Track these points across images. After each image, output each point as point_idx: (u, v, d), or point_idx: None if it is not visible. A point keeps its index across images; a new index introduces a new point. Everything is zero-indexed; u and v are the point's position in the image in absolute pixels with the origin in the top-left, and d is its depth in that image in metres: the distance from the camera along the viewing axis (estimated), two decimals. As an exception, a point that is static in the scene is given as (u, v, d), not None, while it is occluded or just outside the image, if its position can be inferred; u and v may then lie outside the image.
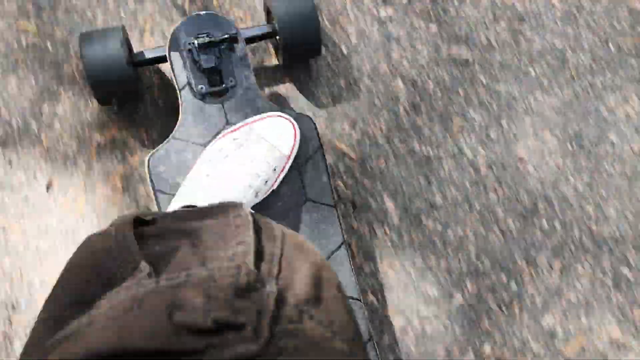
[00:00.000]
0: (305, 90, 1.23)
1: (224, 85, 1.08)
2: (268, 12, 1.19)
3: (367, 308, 1.09)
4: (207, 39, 1.07)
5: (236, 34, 1.09)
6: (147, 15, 1.24)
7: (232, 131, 1.05)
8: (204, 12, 1.10)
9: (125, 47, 1.09)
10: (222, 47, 1.08)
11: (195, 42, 1.07)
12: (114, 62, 1.08)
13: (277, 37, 1.15)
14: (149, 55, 1.13)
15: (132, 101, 1.18)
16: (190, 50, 1.08)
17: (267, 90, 1.23)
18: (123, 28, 1.13)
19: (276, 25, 1.14)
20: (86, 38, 1.10)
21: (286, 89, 1.23)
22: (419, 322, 1.11)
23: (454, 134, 1.22)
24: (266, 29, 1.17)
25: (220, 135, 1.06)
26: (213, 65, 1.07)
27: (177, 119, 1.08)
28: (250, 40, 1.16)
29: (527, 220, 1.17)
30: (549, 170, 1.21)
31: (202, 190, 0.96)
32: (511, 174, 1.20)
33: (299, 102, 1.22)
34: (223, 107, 1.09)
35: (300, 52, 1.19)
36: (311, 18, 1.14)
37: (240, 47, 1.10)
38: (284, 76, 1.24)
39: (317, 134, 1.10)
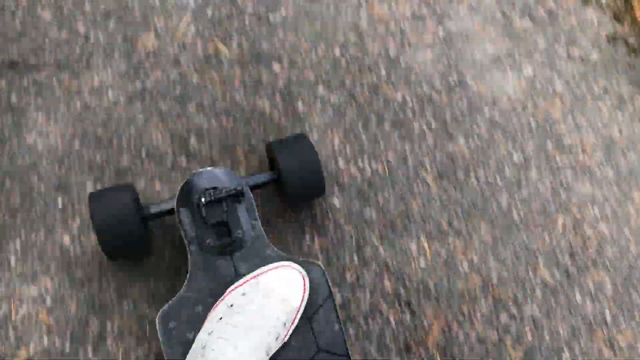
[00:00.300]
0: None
1: (231, 238, 1.10)
2: (271, 160, 1.23)
3: None
4: (213, 196, 1.09)
5: (242, 188, 1.12)
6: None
7: (240, 285, 1.05)
8: (210, 167, 1.14)
9: (134, 207, 1.11)
10: (229, 200, 1.11)
11: (202, 198, 1.09)
12: (123, 223, 1.10)
13: (282, 183, 1.18)
14: (157, 209, 1.16)
15: (142, 255, 1.19)
16: (198, 206, 1.10)
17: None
18: (132, 185, 1.16)
19: (280, 172, 1.17)
20: (95, 197, 1.13)
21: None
22: None
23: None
24: (270, 176, 1.20)
25: (229, 290, 1.06)
26: (220, 220, 1.09)
27: (187, 272, 1.09)
28: (254, 187, 1.19)
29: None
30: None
31: (214, 355, 0.95)
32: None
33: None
34: (232, 259, 1.10)
35: (305, 194, 1.21)
36: (314, 162, 1.18)
37: (246, 198, 1.13)
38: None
39: (327, 281, 1.10)
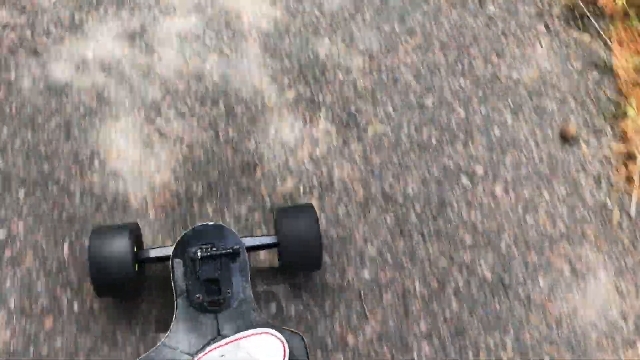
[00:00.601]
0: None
1: (220, 297, 1.11)
2: (276, 224, 1.24)
3: None
4: (209, 252, 1.11)
5: (239, 248, 1.13)
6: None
7: (220, 345, 1.06)
8: (212, 222, 1.16)
9: (131, 246, 1.13)
10: (224, 259, 1.12)
11: (198, 253, 1.11)
12: (118, 260, 1.11)
13: (279, 249, 1.20)
14: (154, 254, 1.17)
15: (131, 297, 1.21)
16: (192, 260, 1.12)
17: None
18: (136, 225, 1.18)
19: (279, 238, 1.18)
20: (97, 232, 1.15)
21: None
22: None
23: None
24: (269, 240, 1.21)
25: (208, 348, 1.06)
26: (212, 277, 1.10)
27: (170, 320, 1.09)
28: (252, 249, 1.20)
29: None
30: None
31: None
32: None
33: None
34: (216, 317, 1.10)
35: (300, 266, 1.23)
36: (313, 237, 1.19)
37: (241, 258, 1.14)
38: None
39: (307, 353, 1.10)
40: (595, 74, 1.57)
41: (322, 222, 1.33)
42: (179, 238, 1.14)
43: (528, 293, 1.29)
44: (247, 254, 1.15)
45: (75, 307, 1.20)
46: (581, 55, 1.59)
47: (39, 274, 1.23)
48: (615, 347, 1.25)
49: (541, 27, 1.64)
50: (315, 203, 1.34)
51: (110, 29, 1.54)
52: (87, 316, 1.19)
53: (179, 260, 1.13)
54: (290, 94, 1.48)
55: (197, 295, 1.10)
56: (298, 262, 1.21)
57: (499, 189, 1.40)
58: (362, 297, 1.26)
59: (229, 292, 1.11)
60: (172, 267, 1.12)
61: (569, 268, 1.33)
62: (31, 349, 1.16)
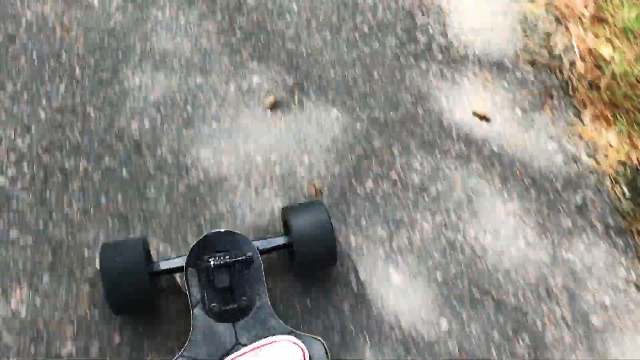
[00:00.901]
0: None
1: (236, 305, 1.09)
2: (285, 224, 1.22)
3: None
4: (223, 260, 1.09)
5: (252, 255, 1.11)
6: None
7: (239, 355, 1.04)
8: (224, 229, 1.14)
9: (144, 260, 1.11)
10: (237, 266, 1.10)
11: (212, 261, 1.09)
12: (131, 276, 1.10)
13: (294, 249, 1.17)
14: (166, 266, 1.15)
15: (148, 310, 1.19)
16: (206, 268, 1.10)
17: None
18: (144, 240, 1.16)
19: (292, 237, 1.16)
20: (107, 248, 1.13)
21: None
22: None
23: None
24: (283, 240, 1.19)
25: (227, 358, 1.04)
26: (227, 285, 1.08)
27: (188, 331, 1.08)
28: (266, 251, 1.18)
29: None
30: None
31: None
32: None
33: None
34: (234, 326, 1.08)
35: (316, 263, 1.20)
36: (327, 231, 1.17)
37: (256, 265, 1.12)
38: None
39: (328, 357, 1.07)
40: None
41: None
42: (190, 247, 1.12)
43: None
44: (260, 259, 1.13)
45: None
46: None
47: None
48: None
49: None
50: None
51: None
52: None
53: (193, 269, 1.11)
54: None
55: (213, 305, 1.08)
56: (314, 260, 1.19)
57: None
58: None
59: (244, 300, 1.09)
60: (187, 278, 1.10)
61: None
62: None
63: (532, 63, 1.55)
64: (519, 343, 1.22)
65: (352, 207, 1.33)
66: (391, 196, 1.35)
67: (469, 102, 1.50)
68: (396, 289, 1.25)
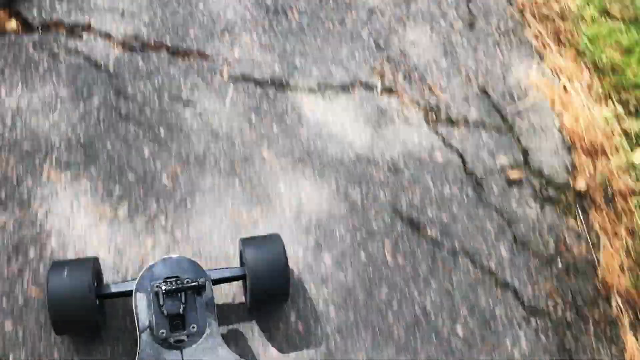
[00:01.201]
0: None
1: (185, 332, 1.07)
2: (241, 255, 1.22)
3: None
4: (174, 286, 1.08)
5: (205, 281, 1.10)
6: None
7: (186, 383, 1.02)
8: (177, 256, 1.13)
9: (93, 281, 1.09)
10: (189, 292, 1.09)
11: (163, 286, 1.08)
12: (78, 299, 1.07)
13: (247, 281, 1.17)
14: (116, 289, 1.13)
15: (92, 333, 1.16)
16: (156, 294, 1.08)
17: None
18: (95, 260, 1.14)
19: (246, 269, 1.16)
20: (57, 266, 1.10)
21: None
22: None
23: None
24: (237, 271, 1.19)
25: (173, 387, 1.02)
26: (177, 312, 1.07)
27: (134, 357, 1.05)
28: (218, 281, 1.17)
29: None
30: None
31: None
32: None
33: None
34: (182, 354, 1.06)
35: (268, 297, 1.20)
36: (281, 266, 1.17)
37: (207, 292, 1.11)
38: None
39: (275, 388, 1.07)
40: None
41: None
42: (141, 272, 1.10)
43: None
44: (212, 287, 1.12)
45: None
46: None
47: None
48: None
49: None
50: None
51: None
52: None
53: (142, 294, 1.09)
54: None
55: (161, 331, 1.06)
56: (267, 294, 1.18)
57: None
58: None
59: (194, 327, 1.08)
60: (135, 302, 1.09)
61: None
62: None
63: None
64: None
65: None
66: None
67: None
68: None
